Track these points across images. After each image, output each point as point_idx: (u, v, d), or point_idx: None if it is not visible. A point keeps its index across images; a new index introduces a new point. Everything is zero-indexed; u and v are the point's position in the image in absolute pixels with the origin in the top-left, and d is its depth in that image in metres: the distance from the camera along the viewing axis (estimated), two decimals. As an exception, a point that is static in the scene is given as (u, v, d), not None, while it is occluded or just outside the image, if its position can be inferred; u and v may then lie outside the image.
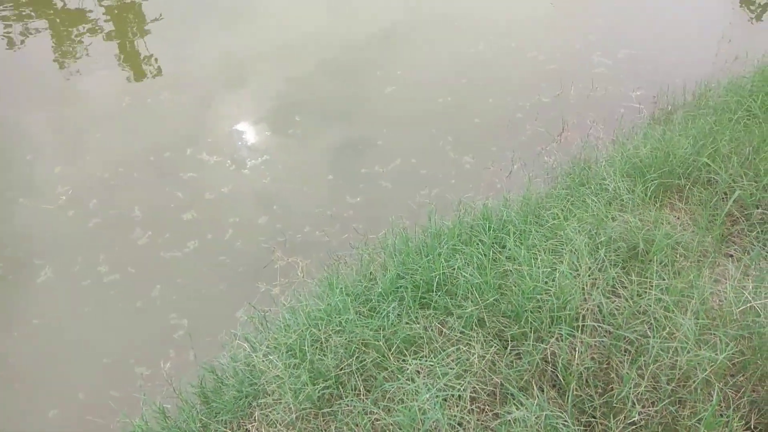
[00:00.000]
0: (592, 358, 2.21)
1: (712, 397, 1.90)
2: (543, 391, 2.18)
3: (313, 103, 5.09)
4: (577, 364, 2.14)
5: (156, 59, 5.85)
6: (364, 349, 2.60)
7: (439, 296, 2.74)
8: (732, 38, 5.30)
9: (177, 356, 3.43)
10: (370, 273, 3.30)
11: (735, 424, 1.98)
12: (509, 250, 2.88)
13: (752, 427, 2.06)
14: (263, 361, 2.61)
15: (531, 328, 2.35)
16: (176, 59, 5.82)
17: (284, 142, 4.72)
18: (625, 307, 2.29)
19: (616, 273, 2.57)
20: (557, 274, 2.51)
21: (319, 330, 2.69)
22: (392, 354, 2.49)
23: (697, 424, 1.88)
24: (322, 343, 2.65)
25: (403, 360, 2.45)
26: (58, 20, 6.46)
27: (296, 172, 4.42)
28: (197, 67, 5.66)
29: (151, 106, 5.19)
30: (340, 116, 4.94)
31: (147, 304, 3.67)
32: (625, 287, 2.47)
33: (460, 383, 2.19)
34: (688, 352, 1.96)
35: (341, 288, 3.10)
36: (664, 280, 2.40)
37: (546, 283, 2.53)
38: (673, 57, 5.36)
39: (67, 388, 3.30)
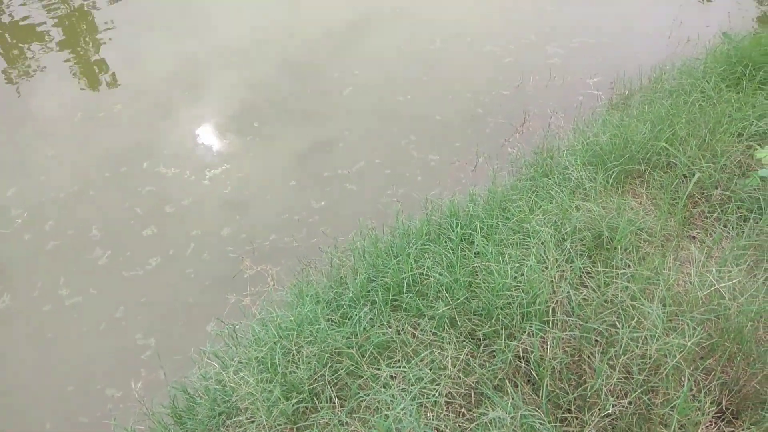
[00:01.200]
0: (565, 352, 2.21)
1: (683, 383, 1.92)
2: (518, 388, 2.17)
3: (272, 107, 5.01)
4: (550, 359, 2.14)
5: (111, 69, 5.67)
6: (337, 357, 2.56)
7: (410, 298, 2.71)
8: (683, 21, 5.39)
9: (148, 375, 3.33)
10: (341, 278, 3.26)
11: (707, 408, 2.00)
12: (477, 246, 2.87)
13: (724, 408, 2.08)
14: (234, 378, 2.54)
15: (502, 326, 2.34)
16: (132, 68, 5.66)
17: (244, 149, 4.62)
18: (593, 298, 2.30)
19: (582, 263, 2.58)
20: (525, 269, 2.50)
21: (290, 341, 2.64)
22: (366, 361, 2.45)
23: (670, 412, 1.89)
24: (294, 354, 2.60)
25: (377, 367, 2.41)
26: (7, 35, 6.21)
27: (258, 179, 4.33)
28: (153, 75, 5.51)
29: (105, 119, 5.03)
30: (300, 120, 4.86)
31: (112, 326, 3.56)
32: (592, 277, 2.48)
33: (434, 388, 2.16)
34: (657, 340, 1.97)
35: (312, 295, 3.05)
36: (629, 267, 2.41)
37: (515, 278, 2.52)
38: (627, 42, 5.44)
39: (33, 419, 3.17)
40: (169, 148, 4.65)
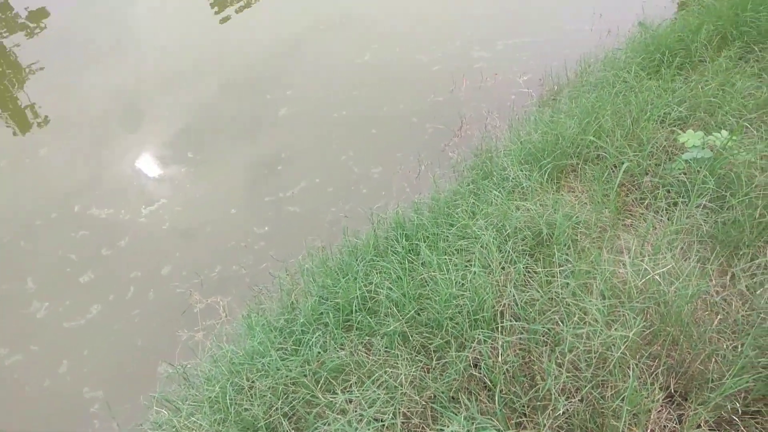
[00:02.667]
0: (516, 354, 2.22)
1: (629, 373, 1.95)
2: (474, 397, 2.16)
3: (207, 134, 4.90)
4: (500, 364, 2.14)
5: (39, 109, 5.44)
6: (292, 387, 2.50)
7: (361, 317, 2.68)
8: (602, 13, 5.58)
9: (101, 429, 3.19)
10: (292, 303, 3.20)
11: (657, 394, 2.04)
12: (423, 257, 2.86)
13: (673, 391, 2.13)
14: (187, 423, 2.45)
15: (452, 336, 2.33)
16: (61, 107, 5.45)
17: (181, 181, 4.50)
18: (537, 298, 2.32)
19: (525, 263, 2.60)
20: (470, 276, 2.51)
21: (242, 377, 2.56)
22: (321, 388, 2.40)
23: (620, 403, 1.92)
24: (246, 390, 2.52)
25: (333, 393, 2.36)
26: None
27: (197, 211, 4.22)
28: (85, 113, 5.32)
29: (32, 165, 4.82)
30: (234, 146, 4.78)
31: (56, 382, 3.39)
32: (536, 276, 2.50)
33: (390, 408, 2.13)
34: (600, 335, 2.00)
35: (263, 325, 2.99)
36: (569, 263, 2.45)
37: (461, 286, 2.53)
38: (550, 39, 5.57)
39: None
40: (101, 187, 4.48)
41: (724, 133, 2.84)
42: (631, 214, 2.92)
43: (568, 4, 6.07)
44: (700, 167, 2.77)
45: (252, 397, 2.48)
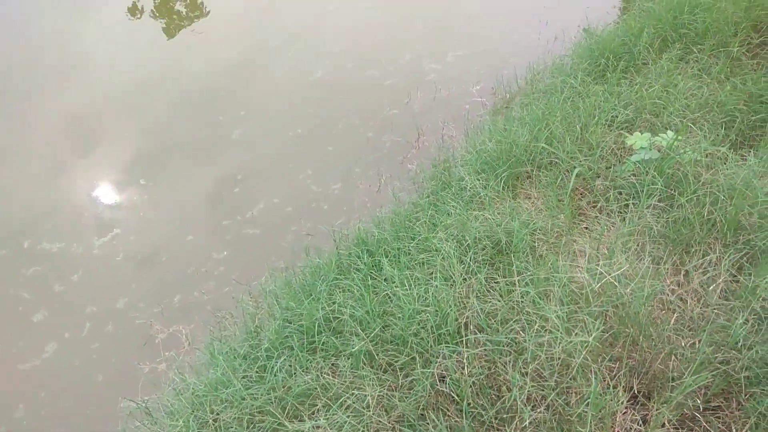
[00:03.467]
0: (481, 366, 2.22)
1: (592, 378, 1.97)
2: (442, 413, 2.15)
3: (158, 160, 4.80)
4: (466, 377, 2.14)
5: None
6: (258, 417, 2.44)
7: (326, 338, 2.64)
8: (548, 20, 5.70)
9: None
10: (256, 327, 3.14)
11: (620, 395, 2.07)
12: (386, 272, 2.85)
13: (636, 392, 2.16)
14: (149, 463, 2.36)
15: (417, 352, 2.32)
16: (6, 137, 5.23)
17: (133, 209, 4.39)
18: (499, 308, 2.33)
19: (486, 273, 2.62)
20: (432, 290, 2.51)
21: (206, 409, 2.49)
22: (287, 416, 2.35)
23: (585, 409, 1.94)
24: (211, 423, 2.45)
25: (300, 420, 2.32)
26: None
27: (151, 240, 4.11)
28: (33, 141, 5.13)
29: (-25, 200, 4.62)
30: (189, 170, 4.68)
31: (13, 427, 3.23)
32: (497, 285, 2.52)
33: (358, 432, 2.10)
34: (561, 342, 2.02)
35: (226, 352, 2.92)
36: (528, 271, 2.47)
37: (424, 301, 2.52)
38: (500, 49, 5.67)
39: None
40: (52, 220, 4.33)
41: (670, 133, 2.92)
42: (586, 218, 2.97)
43: (514, 15, 6.17)
44: (649, 168, 2.85)
45: (216, 430, 2.41)
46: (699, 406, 1.99)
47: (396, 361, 2.38)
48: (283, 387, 2.49)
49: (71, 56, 6.24)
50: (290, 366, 2.59)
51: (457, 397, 2.15)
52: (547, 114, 3.58)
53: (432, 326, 2.35)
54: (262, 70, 5.64)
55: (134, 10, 6.96)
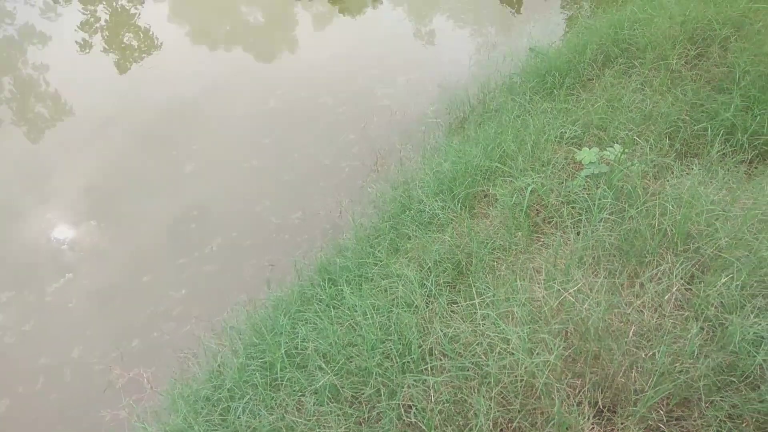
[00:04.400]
0: (448, 393, 2.19)
1: (555, 397, 1.97)
2: (410, 444, 2.11)
3: (111, 200, 4.66)
4: (433, 405, 2.10)
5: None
6: (223, 465, 2.35)
7: (290, 373, 2.57)
8: (496, 43, 5.84)
9: None
10: (219, 366, 3.05)
11: (586, 412, 2.06)
12: (348, 301, 2.81)
13: (601, 407, 2.16)
14: None
15: (382, 383, 2.28)
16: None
17: (86, 252, 4.23)
18: (461, 332, 2.32)
19: (448, 296, 2.61)
20: (394, 317, 2.48)
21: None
22: (252, 461, 2.27)
23: (551, 430, 1.92)
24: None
25: (265, 463, 2.24)
26: None
27: (106, 283, 3.97)
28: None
29: None
30: (143, 208, 4.56)
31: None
32: (458, 308, 2.51)
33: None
34: (523, 363, 2.01)
35: (187, 396, 2.82)
36: (489, 292, 2.47)
37: (387, 329, 2.49)
38: (451, 71, 5.74)
39: None
40: (1, 268, 4.14)
41: (617, 146, 2.99)
42: (542, 234, 3.00)
43: (463, 37, 6.29)
44: (599, 182, 2.90)
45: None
46: (662, 417, 2.00)
47: (361, 394, 2.33)
48: (247, 429, 2.42)
49: (21, 91, 6.07)
50: (254, 406, 2.52)
51: (424, 427, 2.12)
52: (499, 133, 3.63)
53: (396, 355, 2.32)
54: (213, 103, 5.57)
55: (85, 45, 6.83)
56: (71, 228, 4.44)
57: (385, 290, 2.75)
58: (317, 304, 2.97)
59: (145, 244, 4.19)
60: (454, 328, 2.38)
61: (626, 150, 2.93)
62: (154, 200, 4.56)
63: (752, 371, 1.94)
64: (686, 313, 2.19)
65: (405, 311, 2.52)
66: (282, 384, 2.59)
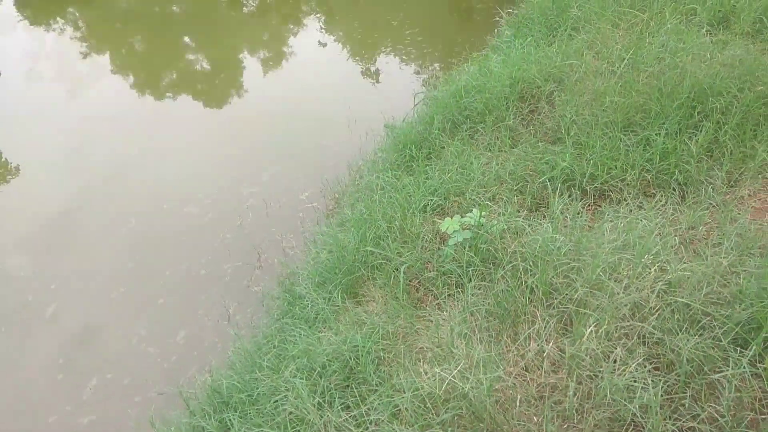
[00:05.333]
0: None
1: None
2: None
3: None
4: None
5: None
6: None
7: None
8: (356, 119, 6.02)
9: None
10: None
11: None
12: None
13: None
14: None
15: None
16: None
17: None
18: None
19: (341, 401, 2.51)
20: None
21: None
22: None
23: None
24: None
25: None
26: None
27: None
28: None
29: None
30: (34, 331, 4.07)
31: None
32: (350, 415, 2.42)
33: None
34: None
35: None
36: (380, 388, 2.41)
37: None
38: (315, 155, 5.80)
39: None
40: None
41: (475, 211, 3.12)
42: (425, 309, 3.02)
43: (323, 120, 6.39)
44: (466, 249, 2.99)
45: None
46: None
47: None
48: None
49: None
50: None
51: None
52: (369, 213, 3.68)
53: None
54: (68, 233, 5.14)
55: None
56: None
57: (273, 414, 2.60)
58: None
59: (5, 403, 3.72)
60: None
61: (483, 213, 3.06)
62: (13, 356, 4.09)
63: (632, 420, 2.01)
64: (562, 371, 2.25)
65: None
66: None
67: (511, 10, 6.12)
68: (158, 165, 5.86)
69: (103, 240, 4.97)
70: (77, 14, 10.47)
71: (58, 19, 10.16)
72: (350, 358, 2.73)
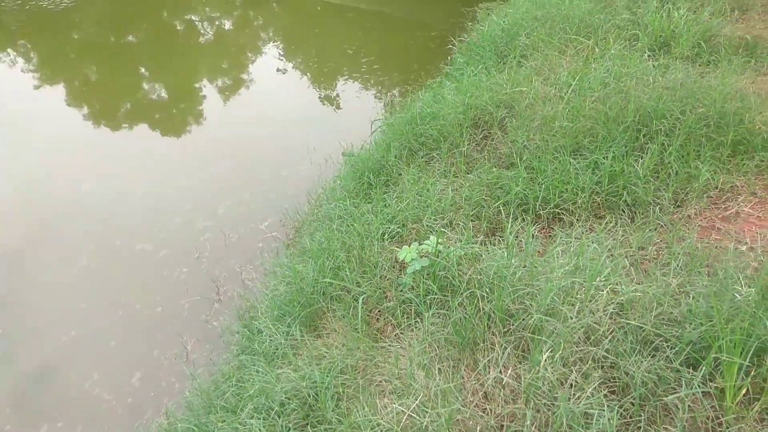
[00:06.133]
0: None
1: None
2: None
3: None
4: None
5: None
6: None
7: None
8: (316, 146, 6.02)
9: None
10: None
11: None
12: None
13: None
14: None
15: None
16: None
17: None
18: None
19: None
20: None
21: None
22: None
23: None
24: None
25: None
26: None
27: None
28: None
29: None
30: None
31: None
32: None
33: None
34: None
35: None
36: (336, 431, 2.36)
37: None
38: (275, 185, 5.76)
39: None
40: None
41: (432, 238, 3.12)
42: (385, 340, 2.98)
43: (277, 147, 6.37)
44: (424, 277, 2.98)
45: None
46: None
47: None
48: None
49: None
50: None
51: None
52: (328, 243, 3.64)
53: None
54: (18, 270, 4.93)
55: None
56: None
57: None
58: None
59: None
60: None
61: (440, 240, 3.06)
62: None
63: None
64: (520, 400, 2.25)
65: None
66: None
67: (463, 38, 6.26)
68: (111, 200, 5.70)
69: (53, 279, 4.78)
70: (29, 46, 10.25)
71: (9, 51, 9.93)
72: (309, 395, 2.68)
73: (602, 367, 2.31)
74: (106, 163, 6.42)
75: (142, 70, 9.22)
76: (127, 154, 6.67)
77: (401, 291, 3.08)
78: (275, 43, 9.95)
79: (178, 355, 4.18)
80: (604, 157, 3.35)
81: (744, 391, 2.10)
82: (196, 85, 8.57)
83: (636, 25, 4.73)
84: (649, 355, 2.26)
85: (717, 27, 4.54)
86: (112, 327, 4.29)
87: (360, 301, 3.03)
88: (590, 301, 2.47)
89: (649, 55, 4.37)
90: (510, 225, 3.00)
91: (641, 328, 2.35)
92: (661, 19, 4.59)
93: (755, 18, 4.90)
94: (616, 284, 2.56)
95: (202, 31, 10.65)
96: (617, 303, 2.46)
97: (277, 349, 3.25)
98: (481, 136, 4.05)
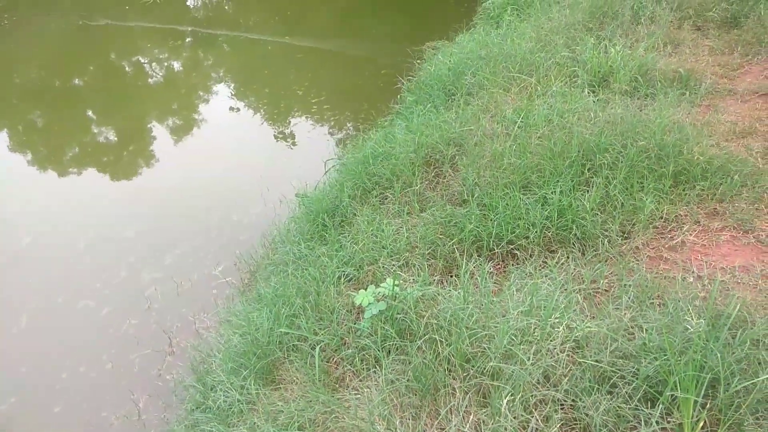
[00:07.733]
0: None
1: None
2: None
3: None
4: None
5: None
6: None
7: None
8: (270, 187, 5.93)
9: None
10: None
11: None
12: None
13: None
14: None
15: None
16: None
17: None
18: None
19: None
20: None
21: None
22: None
23: None
24: None
25: None
26: None
27: None
28: None
29: None
30: None
31: None
32: None
33: None
34: None
35: None
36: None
37: None
38: (224, 230, 5.63)
39: None
40: None
41: (389, 280, 3.08)
42: (344, 390, 2.90)
43: (229, 189, 6.25)
44: (381, 322, 2.93)
45: None
46: None
47: None
48: None
49: None
50: None
51: None
52: (282, 290, 3.56)
53: None
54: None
55: None
56: None
57: None
58: None
59: None
60: None
61: (397, 282, 3.03)
62: None
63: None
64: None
65: None
66: None
67: (411, 77, 6.37)
68: (52, 254, 5.45)
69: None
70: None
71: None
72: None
73: (563, 407, 2.30)
74: (48, 214, 6.16)
75: (89, 113, 8.99)
76: (71, 205, 6.43)
77: (359, 337, 3.01)
78: (226, 83, 9.89)
79: (129, 413, 3.96)
80: (552, 192, 3.41)
81: (702, 424, 2.12)
82: (146, 127, 8.40)
83: (575, 62, 4.91)
84: (608, 392, 2.27)
85: (652, 62, 4.75)
86: (55, 391, 4.04)
87: (317, 350, 2.95)
88: (546, 340, 2.47)
89: (589, 91, 4.52)
90: (465, 264, 3.00)
91: (598, 364, 2.36)
92: (598, 56, 4.78)
93: (686, 52, 5.16)
94: (571, 321, 2.58)
95: (150, 73, 10.51)
96: (573, 340, 2.47)
97: (232, 406, 3.11)
98: (433, 174, 4.08)
